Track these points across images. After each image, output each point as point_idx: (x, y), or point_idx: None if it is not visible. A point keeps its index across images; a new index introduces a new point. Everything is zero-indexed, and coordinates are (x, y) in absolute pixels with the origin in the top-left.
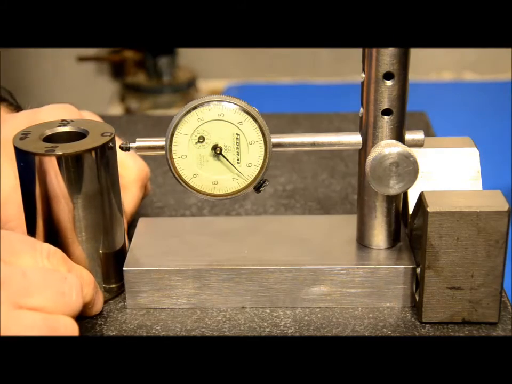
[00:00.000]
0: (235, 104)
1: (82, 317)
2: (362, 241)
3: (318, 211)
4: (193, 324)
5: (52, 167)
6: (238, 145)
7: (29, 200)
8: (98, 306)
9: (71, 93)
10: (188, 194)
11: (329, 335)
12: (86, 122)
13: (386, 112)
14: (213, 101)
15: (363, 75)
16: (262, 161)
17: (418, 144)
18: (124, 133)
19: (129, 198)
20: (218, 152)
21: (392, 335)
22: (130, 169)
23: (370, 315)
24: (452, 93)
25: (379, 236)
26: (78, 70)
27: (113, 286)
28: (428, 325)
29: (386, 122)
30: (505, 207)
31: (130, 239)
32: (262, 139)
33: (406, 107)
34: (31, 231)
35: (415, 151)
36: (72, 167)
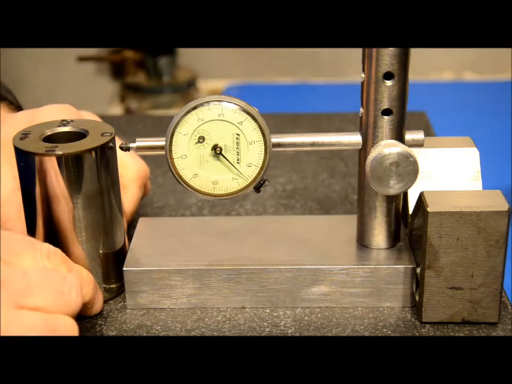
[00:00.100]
0: (235, 104)
1: (82, 317)
2: (362, 241)
3: (318, 211)
4: (193, 324)
5: (52, 167)
6: (238, 145)
7: (29, 200)
8: (98, 306)
9: (71, 93)
10: (187, 194)
11: (329, 335)
12: (86, 122)
13: (386, 112)
14: (213, 101)
15: (363, 75)
16: (262, 161)
17: (418, 144)
18: (124, 133)
19: (129, 197)
20: (218, 152)
21: (392, 335)
22: (130, 168)
23: (370, 315)
24: (452, 93)
25: (379, 236)
26: (78, 70)
27: (113, 286)
28: (428, 325)
29: (386, 122)
30: (505, 207)
31: (130, 239)
32: (262, 139)
33: (406, 107)
34: (31, 231)
35: (415, 151)
36: (72, 167)
